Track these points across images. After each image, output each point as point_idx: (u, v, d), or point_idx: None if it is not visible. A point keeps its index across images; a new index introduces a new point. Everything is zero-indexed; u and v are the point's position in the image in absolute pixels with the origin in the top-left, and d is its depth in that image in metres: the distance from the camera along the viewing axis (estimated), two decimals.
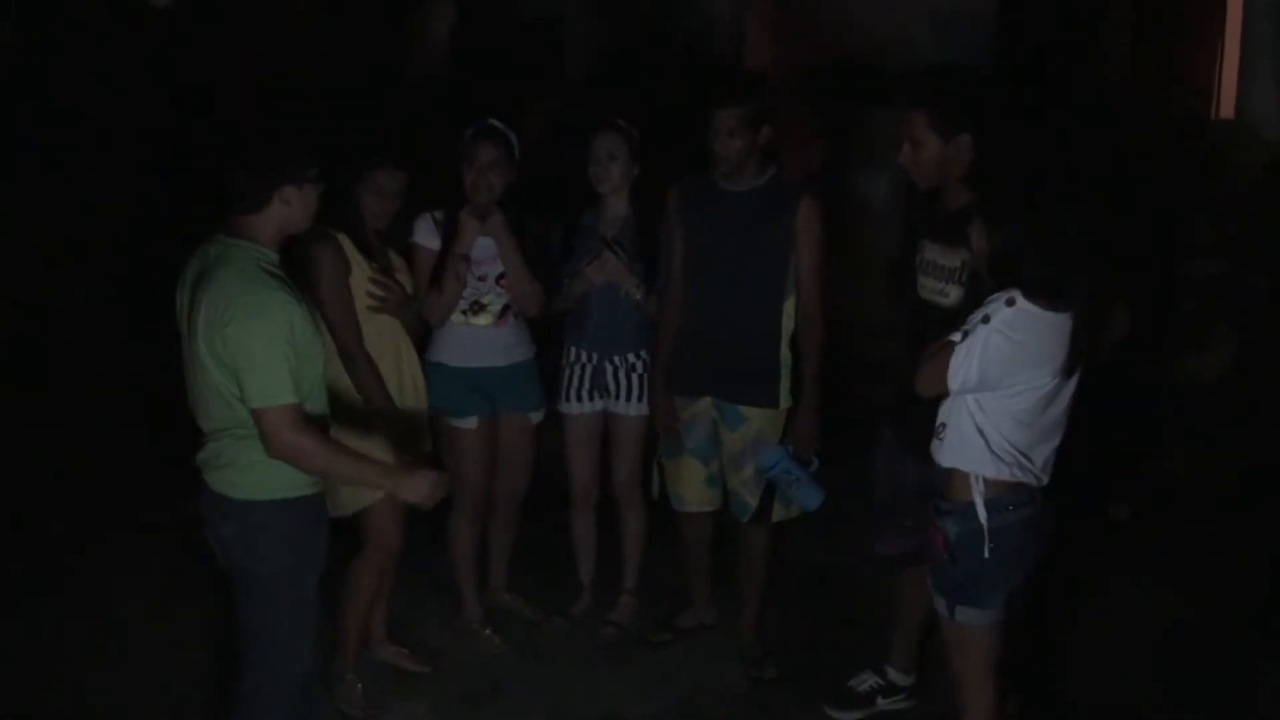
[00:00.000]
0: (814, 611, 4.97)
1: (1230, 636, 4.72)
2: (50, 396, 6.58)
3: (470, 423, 4.51)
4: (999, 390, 3.25)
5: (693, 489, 4.58)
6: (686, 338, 4.47)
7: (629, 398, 4.64)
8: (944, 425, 3.39)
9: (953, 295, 3.80)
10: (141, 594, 4.91)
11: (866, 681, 4.37)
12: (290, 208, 3.32)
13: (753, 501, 4.46)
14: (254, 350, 3.16)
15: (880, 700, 4.35)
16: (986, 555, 3.31)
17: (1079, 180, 3.49)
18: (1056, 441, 3.38)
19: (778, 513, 4.49)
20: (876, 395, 4.56)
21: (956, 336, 3.23)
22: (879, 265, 7.30)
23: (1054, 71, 7.03)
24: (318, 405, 3.42)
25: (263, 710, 3.44)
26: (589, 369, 4.65)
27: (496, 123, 4.43)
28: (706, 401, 4.47)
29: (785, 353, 4.38)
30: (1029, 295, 3.20)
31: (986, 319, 3.20)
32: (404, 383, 4.24)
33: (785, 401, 4.41)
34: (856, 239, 7.25)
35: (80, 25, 7.56)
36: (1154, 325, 6.21)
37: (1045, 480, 3.39)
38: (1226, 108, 7.07)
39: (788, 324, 4.36)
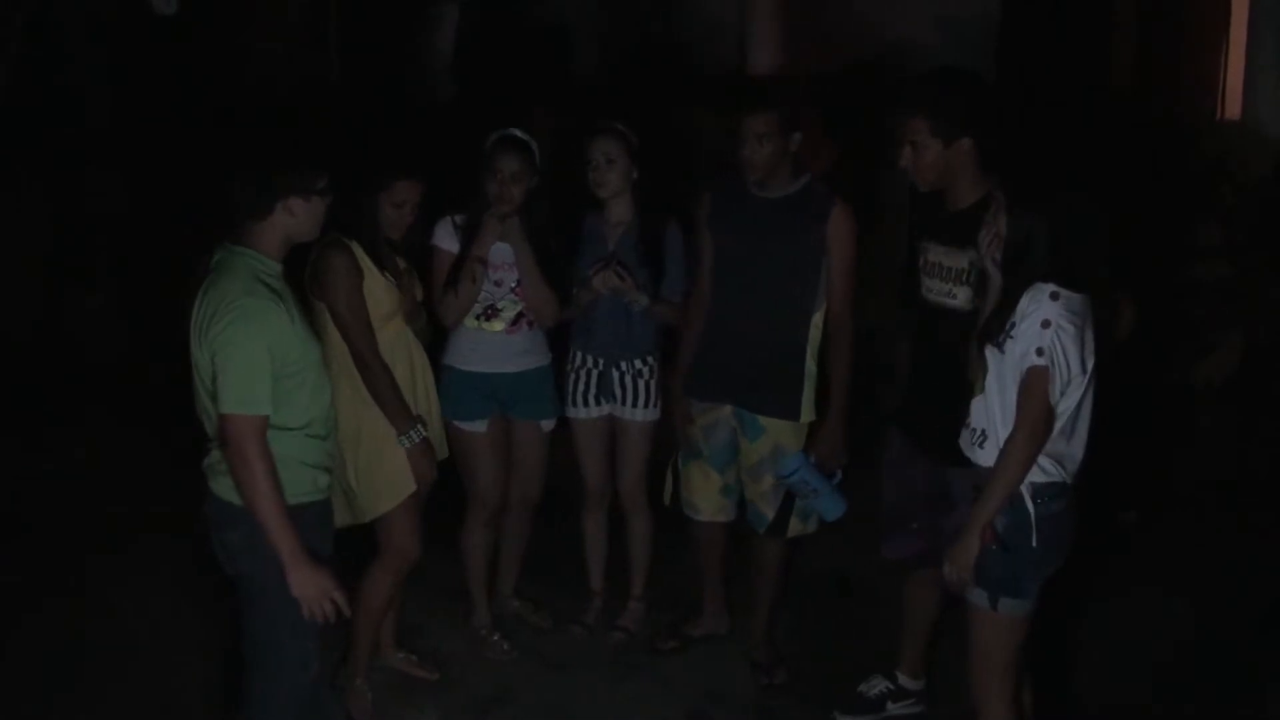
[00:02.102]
0: (823, 616, 4.96)
1: (1239, 640, 4.70)
2: (61, 402, 6.59)
3: (479, 426, 4.50)
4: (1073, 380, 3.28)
5: (707, 498, 4.54)
6: (709, 344, 4.43)
7: (635, 403, 4.63)
8: (983, 434, 3.41)
9: (961, 296, 3.80)
10: (150, 599, 4.92)
11: (876, 686, 4.35)
12: (295, 218, 3.32)
13: (769, 513, 4.42)
14: (233, 356, 3.17)
15: (890, 705, 4.33)
16: (1035, 544, 3.35)
17: (1086, 172, 3.52)
18: (1084, 443, 3.41)
19: (794, 527, 4.44)
20: (885, 398, 4.54)
21: (1033, 360, 3.23)
22: (885, 269, 7.29)
23: (1059, 74, 7.02)
24: (322, 428, 3.42)
25: (269, 716, 3.44)
26: (594, 374, 4.64)
27: (518, 132, 4.42)
28: (727, 410, 4.42)
29: (811, 365, 4.33)
30: (1061, 281, 3.24)
31: (1046, 323, 3.22)
32: (417, 389, 4.23)
33: (807, 415, 4.35)
34: (864, 242, 7.25)
35: (89, 33, 7.58)
36: (1161, 328, 6.19)
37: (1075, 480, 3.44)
38: (1232, 108, 7.05)
39: (815, 335, 4.31)
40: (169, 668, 4.50)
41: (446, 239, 4.43)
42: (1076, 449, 3.39)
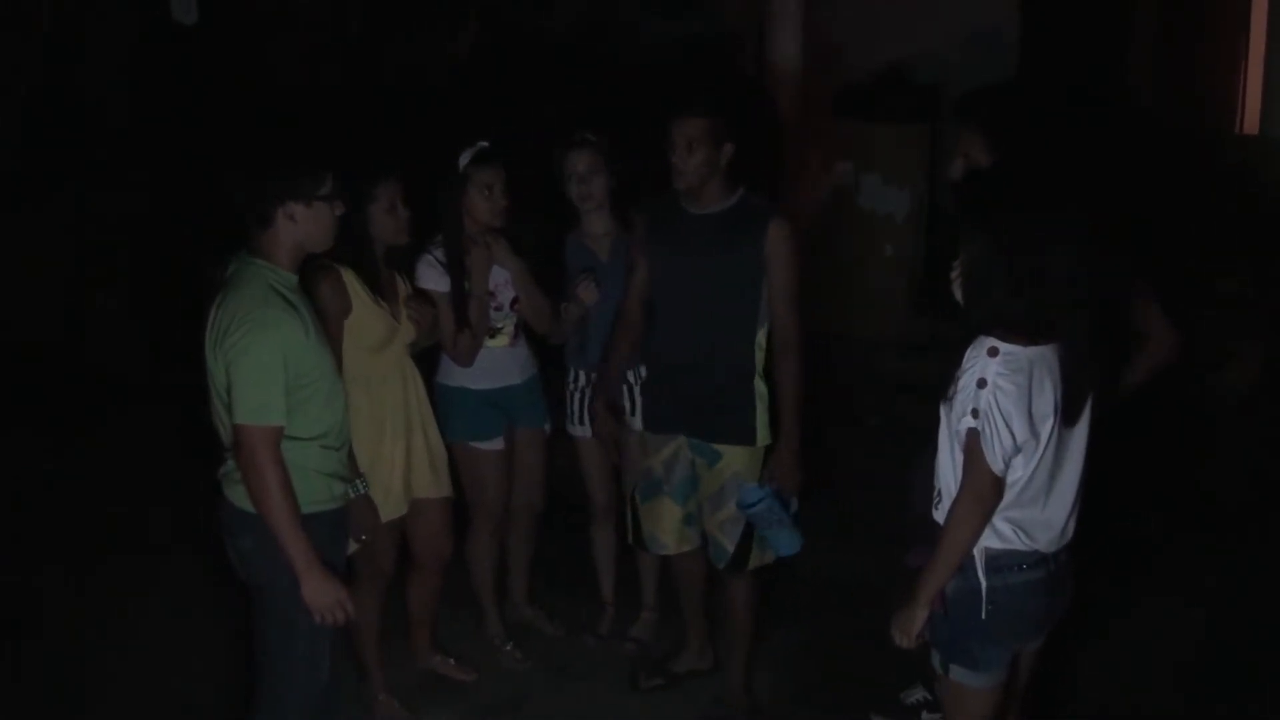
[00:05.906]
0: (830, 621, 4.85)
1: (1258, 653, 4.62)
2: (79, 406, 6.56)
3: (497, 443, 4.48)
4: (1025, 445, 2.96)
5: (671, 531, 4.34)
6: (658, 373, 4.29)
7: (632, 413, 4.53)
8: (940, 494, 3.12)
9: None
10: (164, 604, 4.91)
11: (914, 695, 4.28)
12: (298, 225, 3.26)
13: (729, 546, 4.21)
14: (247, 366, 3.16)
15: (925, 715, 4.24)
16: (983, 616, 3.03)
17: (1081, 202, 3.17)
18: (1069, 508, 3.09)
19: (754, 559, 4.24)
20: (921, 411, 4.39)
21: (969, 422, 2.92)
22: (903, 280, 7.27)
23: (1079, 88, 6.99)
24: (336, 440, 3.40)
25: None
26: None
27: (493, 145, 4.33)
28: (682, 440, 4.24)
29: (760, 386, 4.10)
30: (1002, 335, 2.91)
31: (982, 382, 2.89)
32: (410, 411, 4.14)
33: (763, 439, 4.13)
34: (879, 256, 7.22)
35: (107, 40, 7.58)
36: (1181, 341, 6.13)
37: (1060, 545, 3.12)
38: (1251, 122, 7.06)
39: (760, 356, 4.12)
40: (170, 669, 4.50)
41: (435, 280, 4.28)
42: (1054, 515, 3.06)
